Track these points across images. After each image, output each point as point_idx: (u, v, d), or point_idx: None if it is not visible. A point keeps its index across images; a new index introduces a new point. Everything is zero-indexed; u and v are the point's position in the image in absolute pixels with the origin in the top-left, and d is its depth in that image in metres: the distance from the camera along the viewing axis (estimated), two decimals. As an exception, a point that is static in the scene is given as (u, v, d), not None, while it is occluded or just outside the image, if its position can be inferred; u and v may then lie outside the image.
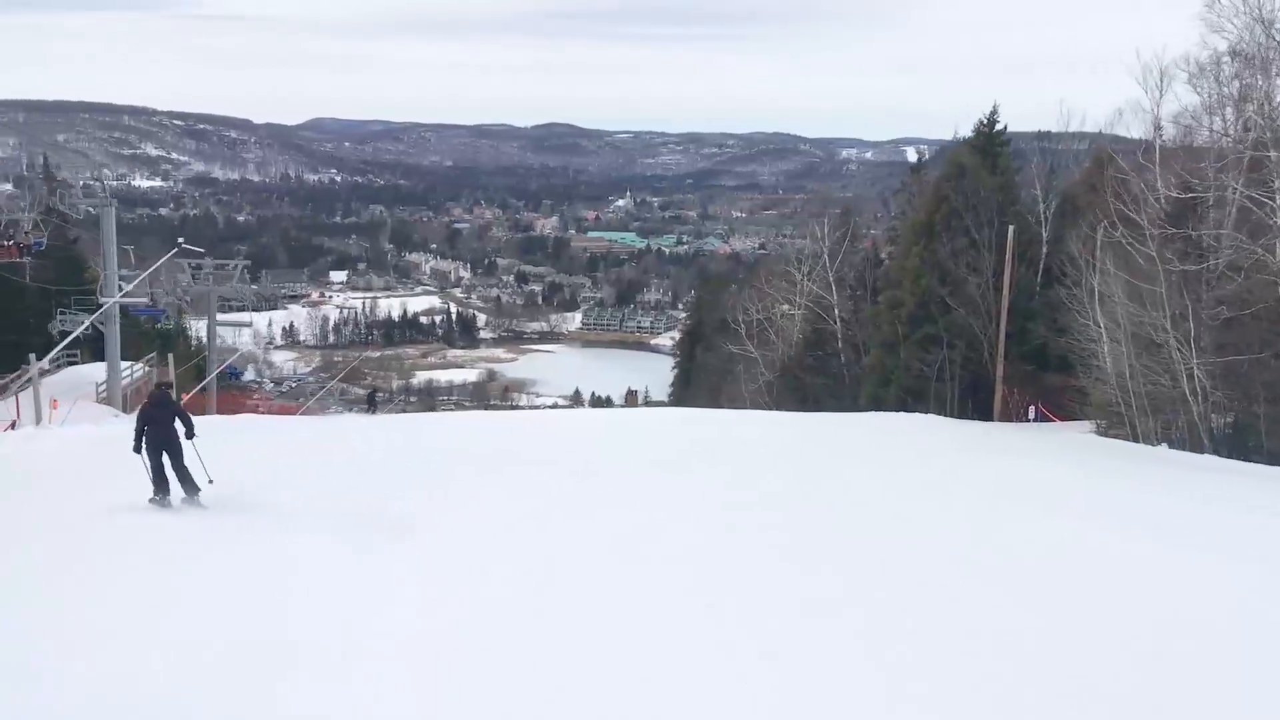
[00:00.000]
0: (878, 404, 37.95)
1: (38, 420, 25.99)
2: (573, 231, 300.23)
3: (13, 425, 26.30)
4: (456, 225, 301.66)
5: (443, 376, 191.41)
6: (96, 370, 38.24)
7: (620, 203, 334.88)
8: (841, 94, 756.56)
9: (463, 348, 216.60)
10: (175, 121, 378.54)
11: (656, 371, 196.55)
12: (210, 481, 14.36)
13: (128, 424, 19.27)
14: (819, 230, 47.80)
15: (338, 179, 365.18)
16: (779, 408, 46.48)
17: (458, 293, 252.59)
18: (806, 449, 23.16)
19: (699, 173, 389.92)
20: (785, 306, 51.19)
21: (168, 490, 14.28)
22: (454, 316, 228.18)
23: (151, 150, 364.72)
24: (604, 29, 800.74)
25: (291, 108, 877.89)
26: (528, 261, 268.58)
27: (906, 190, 50.72)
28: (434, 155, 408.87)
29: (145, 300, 43.18)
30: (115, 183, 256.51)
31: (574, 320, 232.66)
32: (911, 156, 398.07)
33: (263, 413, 47.75)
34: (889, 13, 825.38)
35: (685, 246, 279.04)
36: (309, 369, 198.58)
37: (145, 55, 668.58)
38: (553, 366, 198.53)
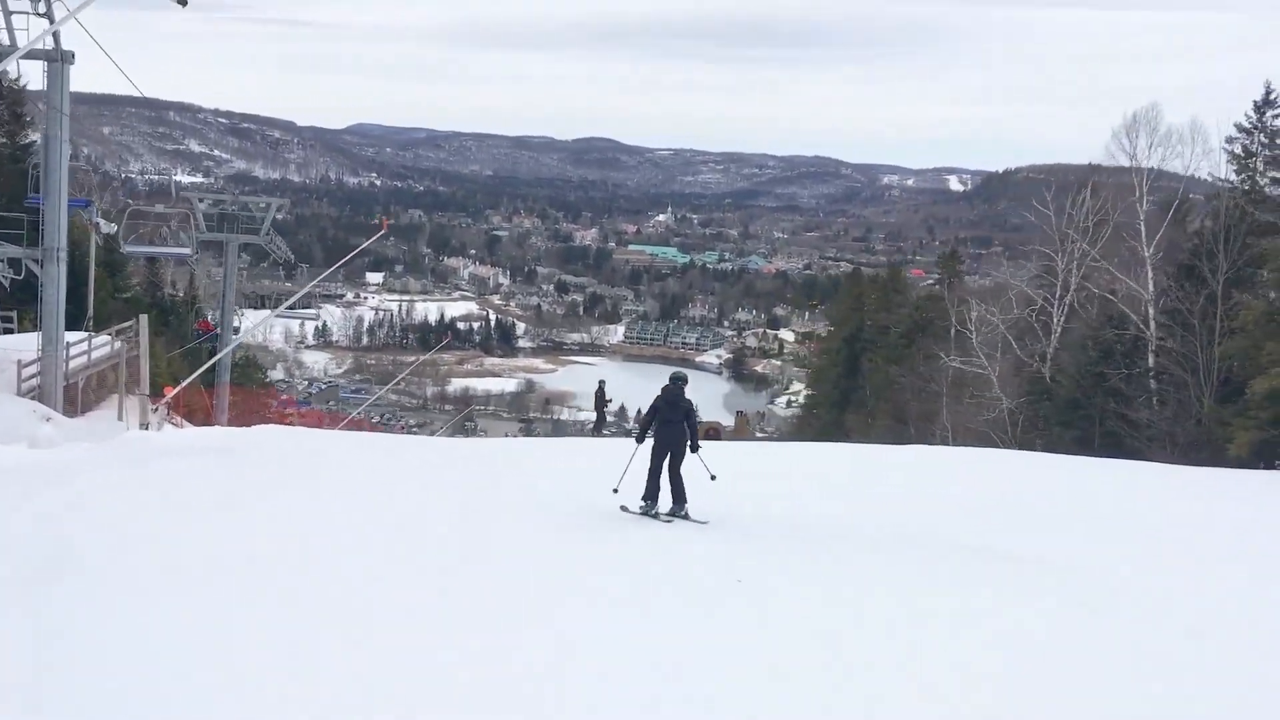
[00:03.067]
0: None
1: None
2: (613, 244, 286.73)
3: None
4: (495, 232, 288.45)
5: (479, 385, 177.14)
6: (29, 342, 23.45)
7: (661, 217, 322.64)
8: (883, 120, 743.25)
9: (500, 356, 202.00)
10: (220, 119, 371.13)
11: (705, 390, 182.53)
12: (713, 478, 12.81)
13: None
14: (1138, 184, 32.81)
15: (377, 183, 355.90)
16: (1029, 446, 31.69)
17: (496, 299, 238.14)
18: None
19: (738, 192, 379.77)
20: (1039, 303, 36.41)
21: (657, 499, 12.79)
22: (492, 323, 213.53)
23: (195, 146, 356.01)
24: (647, 46, 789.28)
25: (335, 112, 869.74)
26: (568, 271, 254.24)
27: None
28: (474, 164, 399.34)
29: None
30: (157, 176, 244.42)
31: (616, 333, 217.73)
32: (955, 185, 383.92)
33: (294, 422, 33.59)
34: (932, 43, 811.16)
35: (728, 264, 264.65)
36: (340, 370, 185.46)
37: (192, 54, 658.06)
38: (594, 379, 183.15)
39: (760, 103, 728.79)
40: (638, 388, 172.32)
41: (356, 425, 44.88)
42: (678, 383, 13.17)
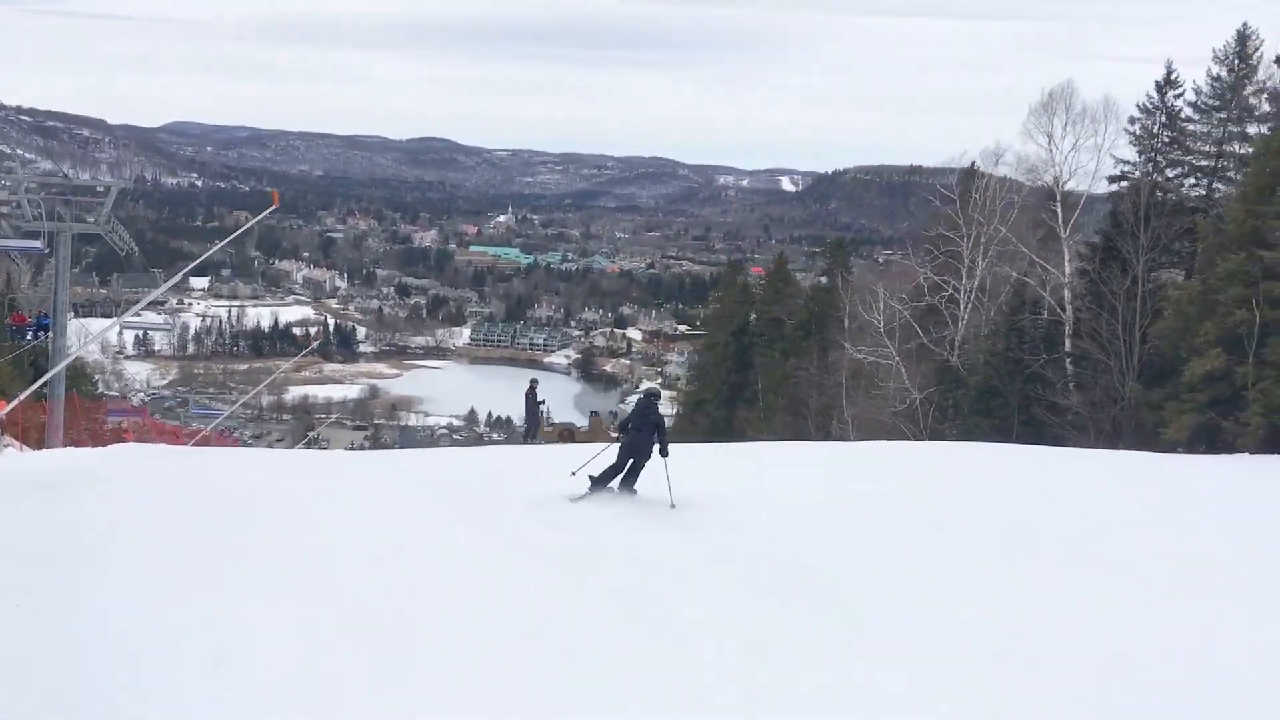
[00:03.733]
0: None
1: None
2: (454, 245, 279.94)
3: None
4: (330, 234, 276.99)
5: (320, 392, 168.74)
6: None
7: (502, 218, 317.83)
8: (718, 122, 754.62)
9: (341, 361, 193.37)
10: (22, 118, 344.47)
11: (556, 390, 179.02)
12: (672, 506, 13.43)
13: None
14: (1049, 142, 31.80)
15: (199, 183, 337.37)
16: (940, 437, 30.44)
17: (333, 303, 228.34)
18: None
19: (578, 193, 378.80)
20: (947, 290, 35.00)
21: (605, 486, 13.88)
22: (331, 328, 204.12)
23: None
24: (481, 45, 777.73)
25: (150, 110, 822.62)
26: (409, 273, 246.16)
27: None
28: (303, 164, 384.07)
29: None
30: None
31: (462, 335, 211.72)
32: (787, 185, 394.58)
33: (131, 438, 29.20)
34: (762, 48, 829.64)
35: (571, 264, 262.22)
36: (164, 381, 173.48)
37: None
38: (442, 383, 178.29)
39: (597, 104, 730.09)
40: (488, 388, 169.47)
41: (211, 440, 40.06)
42: (651, 398, 14.48)
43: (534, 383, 25.98)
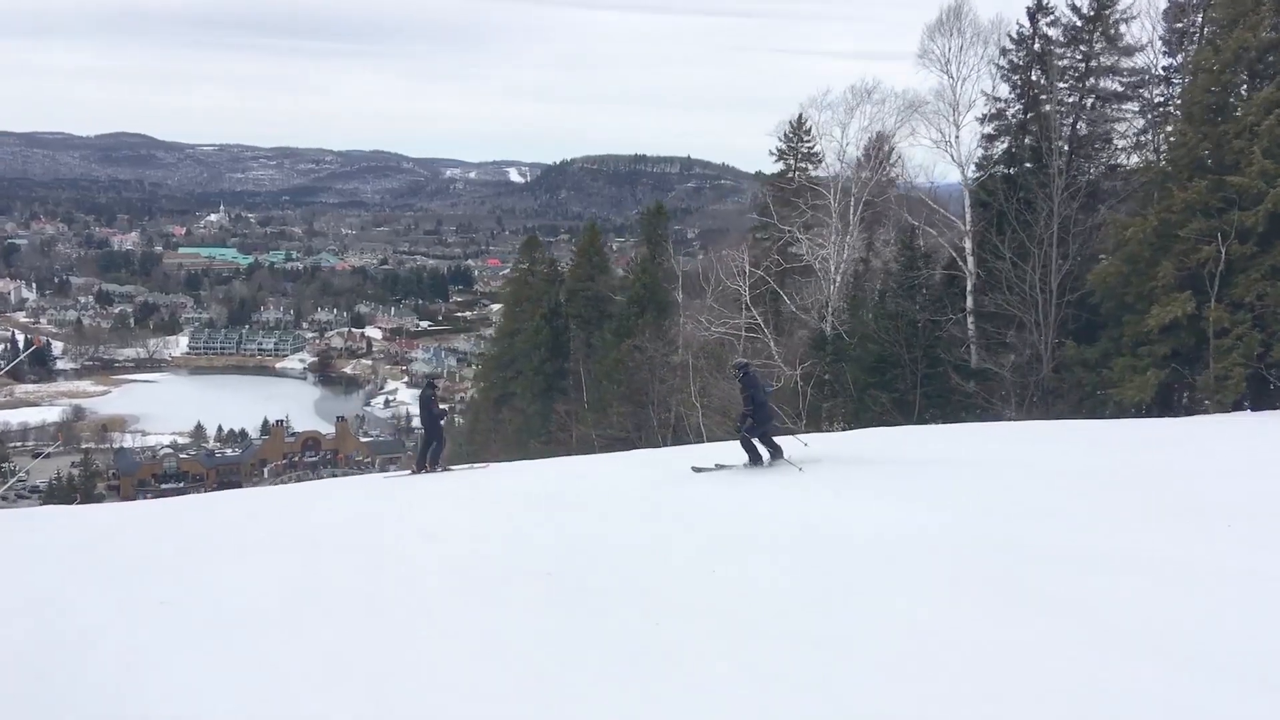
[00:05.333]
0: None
1: None
2: (160, 248, 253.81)
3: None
4: (11, 240, 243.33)
5: (13, 417, 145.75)
6: None
7: (213, 217, 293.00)
8: (440, 115, 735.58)
9: (35, 381, 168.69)
10: None
11: (293, 397, 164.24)
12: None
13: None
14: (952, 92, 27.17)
15: None
16: (829, 418, 25.72)
17: (21, 317, 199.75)
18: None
19: (296, 189, 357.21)
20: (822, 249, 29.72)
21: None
22: (21, 344, 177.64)
23: None
24: (175, 35, 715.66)
25: None
26: (110, 280, 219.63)
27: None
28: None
29: None
30: None
31: (179, 344, 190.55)
32: (515, 177, 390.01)
33: None
34: (481, 40, 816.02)
35: (297, 263, 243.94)
36: None
37: None
38: (160, 398, 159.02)
39: (309, 95, 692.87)
40: (213, 399, 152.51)
41: None
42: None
43: (432, 385, 17.75)
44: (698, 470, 14.22)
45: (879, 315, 28.33)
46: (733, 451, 14.97)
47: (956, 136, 28.25)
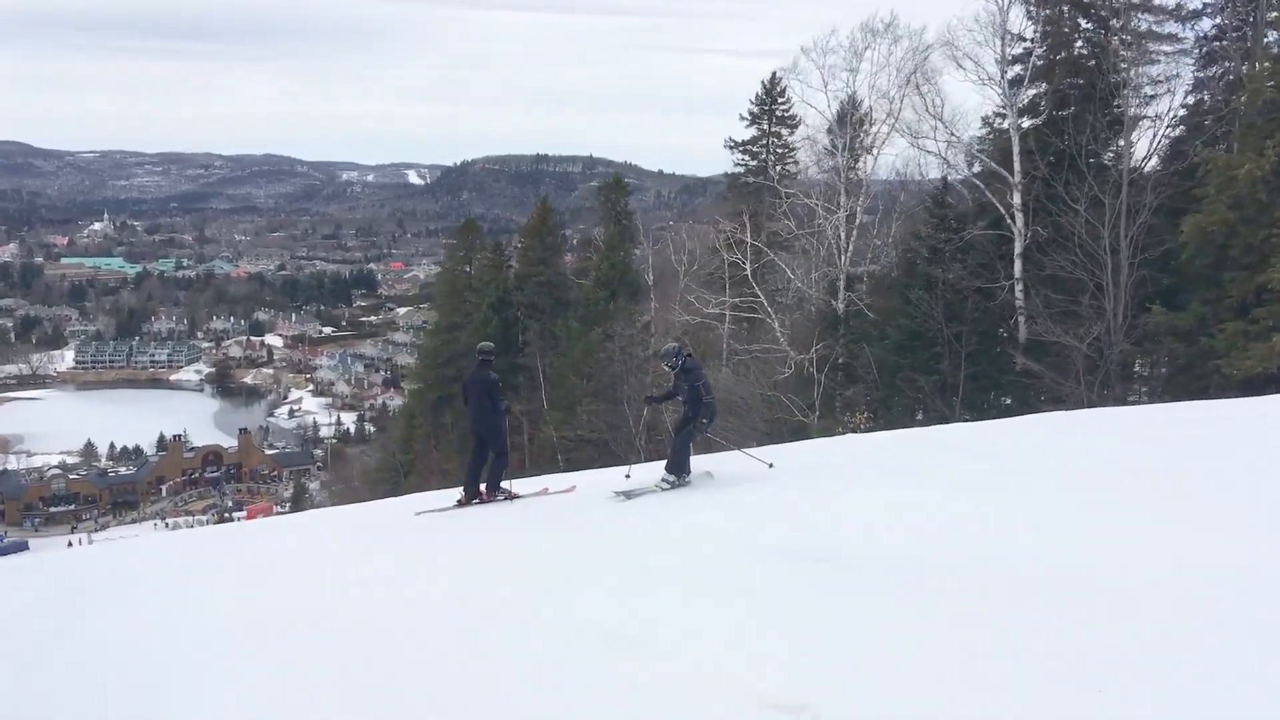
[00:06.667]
0: None
1: None
2: (40, 259, 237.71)
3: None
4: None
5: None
6: None
7: (97, 226, 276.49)
8: (334, 117, 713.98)
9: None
10: None
11: (190, 410, 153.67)
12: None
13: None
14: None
15: None
16: (854, 409, 21.41)
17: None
18: None
19: (185, 195, 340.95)
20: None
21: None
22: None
23: None
24: (46, 39, 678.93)
25: None
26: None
27: None
28: None
29: None
30: None
31: (64, 359, 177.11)
32: (414, 179, 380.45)
33: None
34: (371, 41, 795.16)
35: (189, 270, 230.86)
36: None
37: None
38: (46, 416, 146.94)
39: (197, 100, 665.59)
40: (105, 415, 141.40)
41: None
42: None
43: (486, 358, 11.76)
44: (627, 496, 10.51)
45: (913, 284, 23.85)
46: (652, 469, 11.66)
47: (1003, 73, 23.76)
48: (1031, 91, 23.77)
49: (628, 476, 11.40)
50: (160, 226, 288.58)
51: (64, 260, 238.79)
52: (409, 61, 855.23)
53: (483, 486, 11.67)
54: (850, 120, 27.05)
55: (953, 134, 24.82)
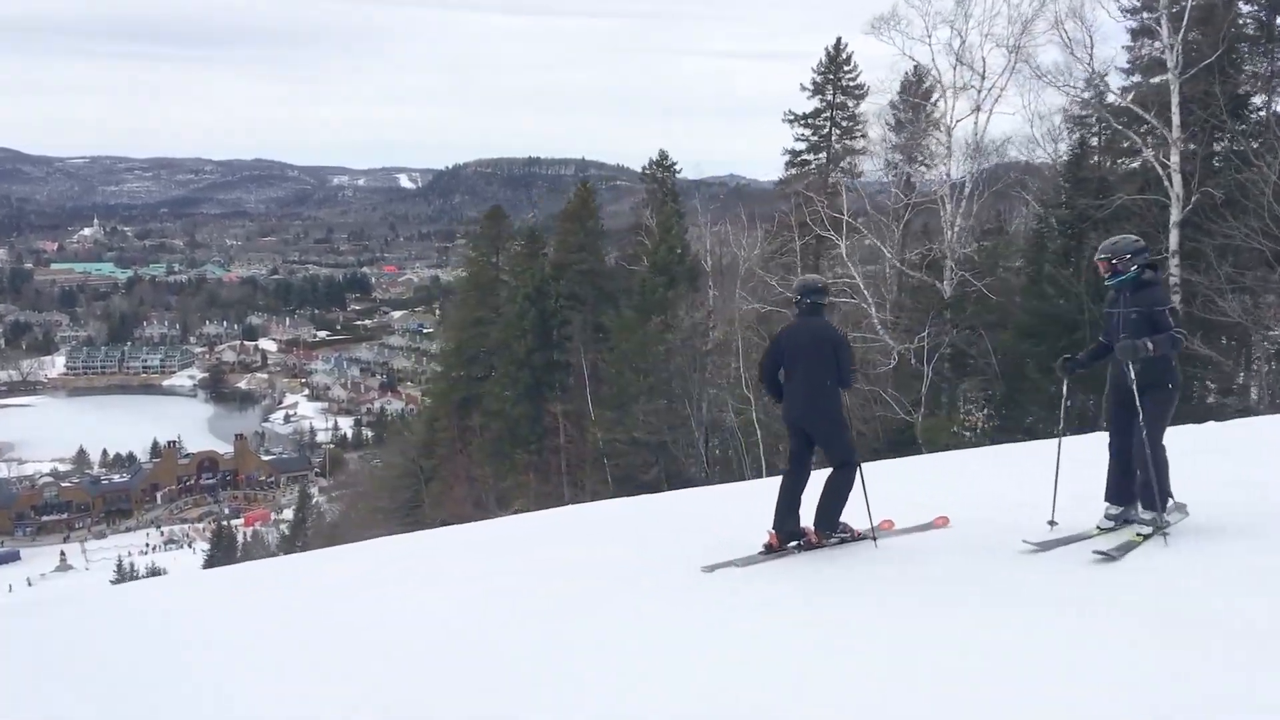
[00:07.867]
0: None
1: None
2: (30, 264, 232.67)
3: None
4: None
5: None
6: None
7: (87, 231, 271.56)
8: (324, 121, 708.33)
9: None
10: None
11: (185, 415, 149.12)
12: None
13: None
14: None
15: None
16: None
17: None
18: None
19: (175, 200, 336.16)
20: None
21: None
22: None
23: None
24: (33, 44, 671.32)
25: None
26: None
27: None
28: None
29: None
30: None
31: (55, 365, 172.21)
32: (406, 183, 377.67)
33: None
34: (364, 45, 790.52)
35: (180, 275, 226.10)
36: None
37: None
38: (37, 422, 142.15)
39: (187, 105, 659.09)
40: (97, 422, 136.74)
41: None
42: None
43: (835, 346, 6.34)
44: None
45: (1044, 260, 20.21)
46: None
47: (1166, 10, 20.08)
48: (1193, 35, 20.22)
49: (1052, 524, 6.72)
50: (151, 232, 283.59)
51: (54, 266, 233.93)
52: (399, 66, 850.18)
53: (807, 522, 6.86)
54: (956, 73, 23.52)
55: (1101, 80, 21.22)
